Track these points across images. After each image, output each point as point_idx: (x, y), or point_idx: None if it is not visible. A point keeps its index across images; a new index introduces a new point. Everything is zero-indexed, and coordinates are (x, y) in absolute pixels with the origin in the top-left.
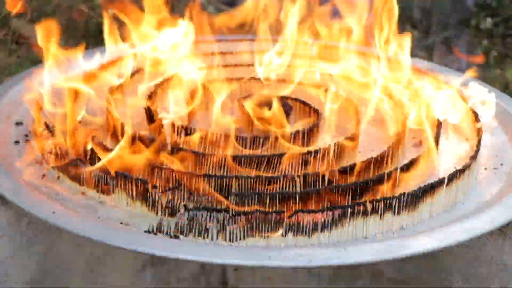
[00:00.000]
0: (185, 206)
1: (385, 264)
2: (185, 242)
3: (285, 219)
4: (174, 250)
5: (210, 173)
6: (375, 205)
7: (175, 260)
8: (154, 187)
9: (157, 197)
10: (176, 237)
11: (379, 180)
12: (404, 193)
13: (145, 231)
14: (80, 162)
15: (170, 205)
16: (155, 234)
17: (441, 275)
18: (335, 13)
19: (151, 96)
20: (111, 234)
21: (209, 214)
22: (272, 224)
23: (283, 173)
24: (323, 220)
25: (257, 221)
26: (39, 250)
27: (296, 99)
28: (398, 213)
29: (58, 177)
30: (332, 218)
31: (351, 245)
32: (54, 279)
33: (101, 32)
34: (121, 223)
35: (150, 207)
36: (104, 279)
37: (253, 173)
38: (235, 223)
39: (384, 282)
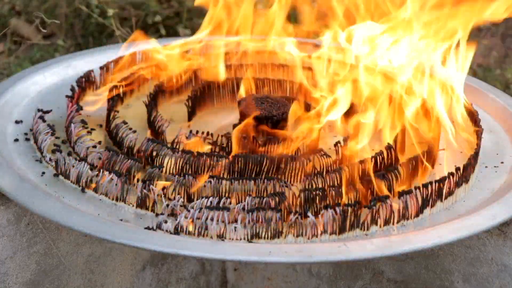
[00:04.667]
0: (185, 206)
1: (385, 264)
2: (186, 238)
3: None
4: (174, 246)
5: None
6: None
7: (175, 260)
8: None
9: (156, 196)
10: (177, 233)
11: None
12: (404, 192)
13: (145, 228)
14: None
15: (169, 205)
16: (155, 231)
17: (441, 275)
18: None
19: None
20: (111, 230)
21: (209, 213)
22: (273, 224)
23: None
24: (323, 220)
25: (257, 222)
26: (39, 250)
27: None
28: (399, 212)
29: (58, 175)
30: (333, 219)
31: (351, 241)
32: (54, 279)
33: (101, 32)
34: (121, 220)
35: (150, 206)
36: (104, 279)
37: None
38: (235, 222)
39: (384, 282)
